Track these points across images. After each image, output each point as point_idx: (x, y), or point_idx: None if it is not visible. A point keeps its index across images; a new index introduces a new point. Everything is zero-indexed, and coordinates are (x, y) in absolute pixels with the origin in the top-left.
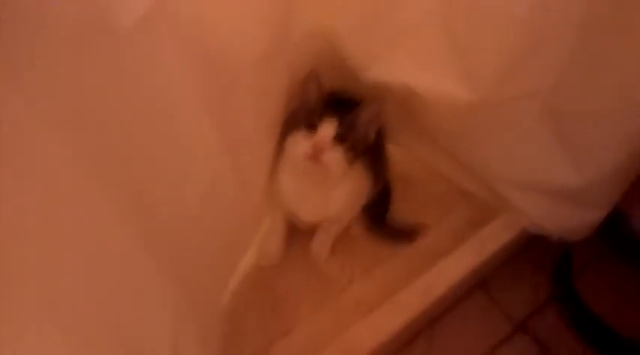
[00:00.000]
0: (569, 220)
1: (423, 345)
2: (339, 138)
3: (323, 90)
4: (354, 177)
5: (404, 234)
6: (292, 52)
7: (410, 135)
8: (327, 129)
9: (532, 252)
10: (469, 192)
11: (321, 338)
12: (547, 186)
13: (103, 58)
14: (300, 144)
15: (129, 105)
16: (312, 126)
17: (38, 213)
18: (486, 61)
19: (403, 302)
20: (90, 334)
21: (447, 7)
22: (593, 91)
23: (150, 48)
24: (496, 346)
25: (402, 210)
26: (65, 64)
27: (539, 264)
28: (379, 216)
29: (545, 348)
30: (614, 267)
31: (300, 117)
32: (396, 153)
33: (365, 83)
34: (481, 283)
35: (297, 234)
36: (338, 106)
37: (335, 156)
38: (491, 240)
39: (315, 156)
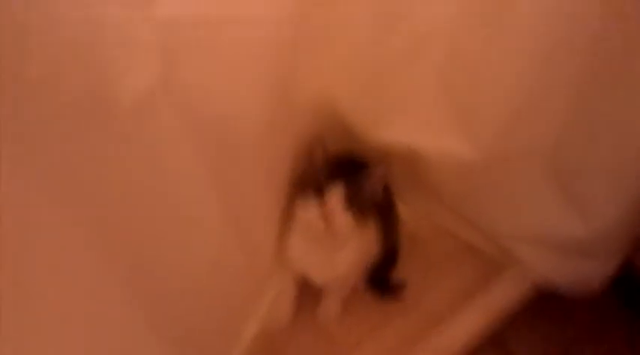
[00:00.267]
0: (577, 273)
1: None
2: (348, 202)
3: (329, 154)
4: (363, 237)
5: (391, 291)
6: (296, 118)
7: (415, 193)
8: (335, 194)
9: (549, 306)
10: (476, 249)
11: None
12: (554, 239)
13: (107, 131)
14: (309, 209)
15: (131, 177)
16: (320, 192)
17: (40, 285)
18: (487, 121)
19: None
20: None
21: (446, 71)
22: (594, 147)
23: (153, 121)
24: None
25: (409, 269)
26: (70, 137)
27: (557, 317)
28: (382, 273)
29: None
30: None
31: (307, 182)
32: (403, 211)
33: (369, 145)
34: (497, 339)
35: (306, 296)
36: (344, 169)
37: (344, 220)
38: (500, 297)
39: (326, 221)
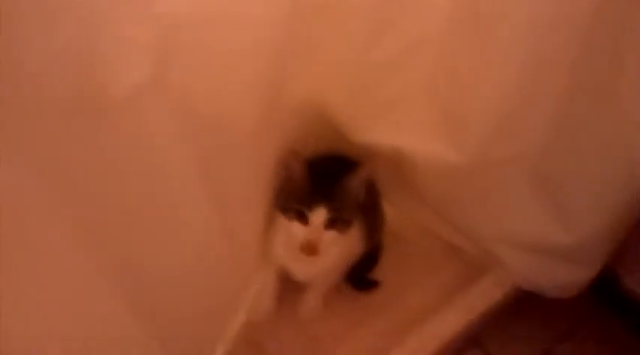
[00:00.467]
0: (559, 278)
1: None
2: (331, 221)
3: (308, 166)
4: (347, 239)
5: (368, 288)
6: (285, 118)
7: (400, 193)
8: (318, 218)
9: (526, 307)
10: (459, 249)
11: None
12: (537, 244)
13: (97, 127)
14: (294, 234)
15: (120, 170)
16: (302, 216)
17: (24, 271)
18: (473, 127)
19: None
20: None
21: (434, 76)
22: (578, 157)
23: (144, 117)
24: None
25: (391, 268)
26: (61, 130)
27: (534, 319)
28: (363, 271)
29: None
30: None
31: (288, 200)
32: (387, 211)
33: (357, 146)
34: (476, 339)
35: (288, 292)
36: (325, 183)
37: (329, 239)
38: (482, 297)
39: (311, 247)
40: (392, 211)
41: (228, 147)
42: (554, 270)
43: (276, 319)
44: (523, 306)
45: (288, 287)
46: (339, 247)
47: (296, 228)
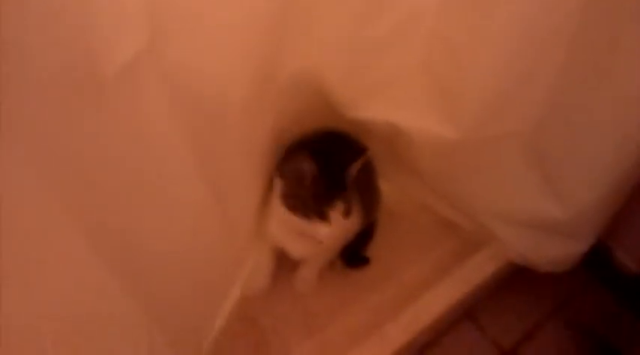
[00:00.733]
0: (553, 252)
1: None
2: (347, 211)
3: (317, 170)
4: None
5: (360, 263)
6: (281, 94)
7: (395, 170)
8: (337, 213)
9: (519, 281)
10: (455, 225)
11: None
12: (531, 219)
13: (89, 103)
14: (318, 232)
15: (113, 147)
16: (323, 215)
17: (16, 246)
18: (468, 103)
19: (389, 334)
20: None
21: (430, 52)
22: (572, 132)
23: (136, 92)
24: None
25: (387, 243)
26: (51, 110)
27: (527, 293)
28: (357, 247)
29: None
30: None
31: (305, 204)
32: (383, 187)
33: (353, 122)
34: (469, 313)
35: (284, 266)
36: (334, 174)
37: (347, 225)
38: (476, 272)
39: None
40: (388, 188)
41: (221, 122)
42: (547, 245)
43: (271, 295)
44: (516, 281)
45: (283, 263)
46: (339, 228)
47: (319, 228)
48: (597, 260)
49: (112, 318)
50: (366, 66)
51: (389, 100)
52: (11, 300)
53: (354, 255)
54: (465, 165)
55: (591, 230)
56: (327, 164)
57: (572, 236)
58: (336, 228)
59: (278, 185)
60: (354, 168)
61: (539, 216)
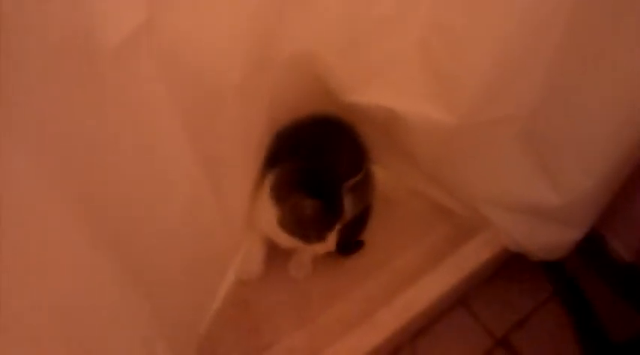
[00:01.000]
0: (548, 239)
1: None
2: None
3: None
4: None
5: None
6: (276, 77)
7: (390, 155)
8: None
9: (512, 268)
10: (449, 211)
11: None
12: (526, 206)
13: (87, 78)
14: (314, 248)
15: (111, 124)
16: (322, 238)
17: (17, 231)
18: (464, 87)
19: (382, 320)
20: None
21: (427, 37)
22: (569, 120)
23: (134, 68)
24: None
25: (382, 229)
26: (49, 86)
27: (520, 280)
28: (351, 234)
29: None
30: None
31: (306, 233)
32: (377, 172)
33: (348, 107)
34: (462, 299)
35: (278, 252)
36: (331, 198)
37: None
38: (470, 258)
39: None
40: (383, 174)
41: (217, 102)
42: (542, 231)
43: (265, 280)
44: (510, 268)
45: (278, 249)
46: (333, 237)
47: (316, 246)
48: (591, 248)
49: (109, 303)
50: (363, 48)
51: (386, 84)
52: (12, 290)
53: (348, 243)
54: (460, 151)
55: (586, 217)
56: (323, 186)
57: (567, 223)
58: (331, 239)
59: (268, 181)
60: (348, 186)
61: (534, 201)
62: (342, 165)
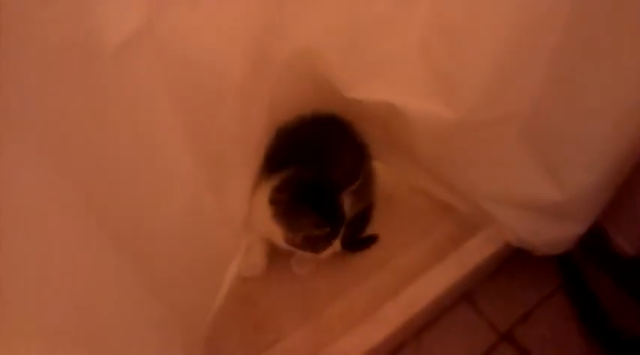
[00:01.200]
0: (551, 234)
1: None
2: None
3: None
4: None
5: (361, 247)
6: (276, 74)
7: (392, 152)
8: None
9: (515, 264)
10: (452, 208)
11: (305, 352)
12: (529, 202)
13: (88, 79)
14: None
15: (109, 125)
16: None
17: (14, 225)
18: (464, 85)
19: (386, 315)
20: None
21: (428, 34)
22: (571, 115)
23: (134, 68)
24: None
25: (384, 226)
26: (50, 86)
27: (524, 275)
28: (355, 232)
29: None
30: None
31: (315, 245)
32: (379, 169)
33: (349, 104)
34: (466, 295)
35: (280, 249)
36: (334, 211)
37: None
38: (473, 254)
39: None
40: (384, 171)
41: (216, 100)
42: (545, 227)
43: (269, 276)
44: (514, 263)
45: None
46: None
47: (324, 254)
48: (594, 243)
49: (114, 295)
50: (364, 48)
51: (387, 81)
52: (15, 279)
53: (354, 241)
54: (462, 149)
55: (589, 212)
56: (324, 194)
57: (569, 218)
58: (337, 242)
59: (266, 189)
60: (350, 191)
61: (536, 198)
62: (343, 166)
